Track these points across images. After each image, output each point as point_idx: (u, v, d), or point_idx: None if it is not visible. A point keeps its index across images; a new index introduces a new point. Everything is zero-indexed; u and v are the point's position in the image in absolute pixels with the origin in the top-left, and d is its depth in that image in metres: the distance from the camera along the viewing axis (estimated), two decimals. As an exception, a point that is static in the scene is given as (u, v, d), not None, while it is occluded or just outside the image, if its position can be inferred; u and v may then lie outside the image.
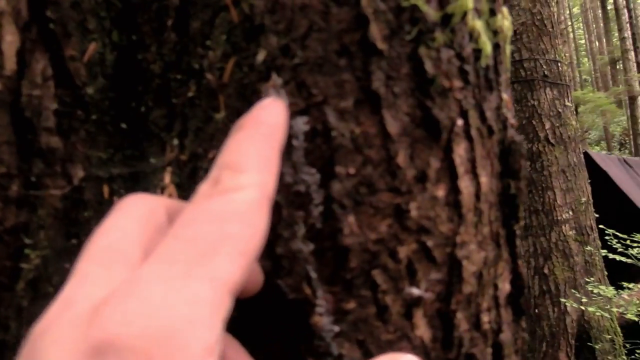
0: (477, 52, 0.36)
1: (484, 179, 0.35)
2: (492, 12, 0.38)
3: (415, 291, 0.32)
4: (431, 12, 0.33)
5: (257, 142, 0.28)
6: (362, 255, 0.32)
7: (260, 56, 0.33)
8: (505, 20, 0.40)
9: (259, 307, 0.33)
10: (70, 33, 0.37)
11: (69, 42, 0.37)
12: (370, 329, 0.32)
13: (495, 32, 0.38)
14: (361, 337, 0.32)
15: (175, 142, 0.38)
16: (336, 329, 0.32)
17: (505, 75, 0.40)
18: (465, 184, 0.34)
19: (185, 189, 0.38)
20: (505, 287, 0.37)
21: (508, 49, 0.41)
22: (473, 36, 0.36)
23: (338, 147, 0.31)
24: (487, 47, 0.36)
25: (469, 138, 0.34)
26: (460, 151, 0.34)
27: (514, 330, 0.39)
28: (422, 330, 0.33)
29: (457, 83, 0.33)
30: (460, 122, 0.34)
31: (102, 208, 0.39)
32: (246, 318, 0.34)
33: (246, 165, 0.26)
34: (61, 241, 0.37)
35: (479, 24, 0.36)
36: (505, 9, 0.40)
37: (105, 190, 0.39)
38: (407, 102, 0.32)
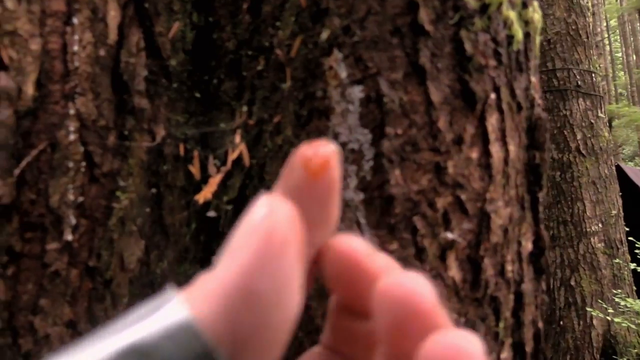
0: (510, 38, 0.41)
1: (512, 147, 0.40)
2: (524, 5, 0.43)
3: (450, 235, 0.37)
4: (471, 1, 0.38)
5: None
6: (405, 203, 0.37)
7: (324, 35, 0.39)
8: (535, 13, 0.45)
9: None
10: (159, 12, 0.44)
11: (158, 19, 0.44)
12: (409, 267, 0.38)
13: (526, 22, 0.43)
14: (401, 274, 0.38)
15: (245, 109, 0.45)
16: None
17: (535, 61, 0.45)
18: (495, 149, 0.39)
19: (252, 149, 0.44)
20: (527, 245, 0.42)
21: (538, 39, 0.47)
22: (507, 24, 0.41)
23: (388, 111, 0.37)
24: (519, 34, 0.41)
25: (500, 111, 0.40)
26: (492, 121, 0.39)
27: (535, 287, 0.44)
28: (454, 271, 0.38)
29: (492, 62, 0.39)
30: (493, 96, 0.39)
31: (177, 164, 0.46)
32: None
33: None
34: (144, 189, 0.44)
35: (512, 14, 0.41)
36: (536, 3, 0.45)
37: (181, 148, 0.45)
38: (448, 76, 0.38)
